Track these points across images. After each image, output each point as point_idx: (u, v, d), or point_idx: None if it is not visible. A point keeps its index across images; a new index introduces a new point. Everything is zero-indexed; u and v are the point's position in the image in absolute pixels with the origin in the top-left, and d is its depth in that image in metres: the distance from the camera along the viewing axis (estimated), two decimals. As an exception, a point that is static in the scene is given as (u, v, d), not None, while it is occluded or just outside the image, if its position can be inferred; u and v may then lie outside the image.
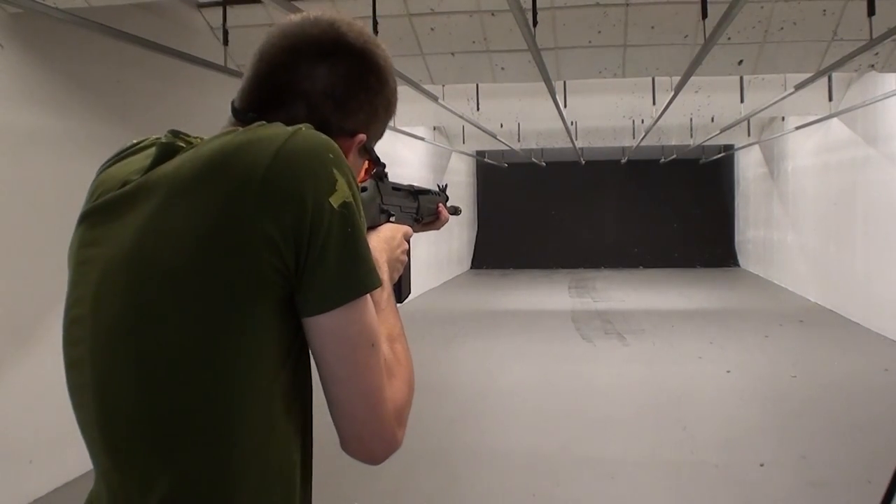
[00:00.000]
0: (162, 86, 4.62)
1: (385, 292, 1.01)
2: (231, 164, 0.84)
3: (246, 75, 1.00)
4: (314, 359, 0.88)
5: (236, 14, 4.89)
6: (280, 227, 0.81)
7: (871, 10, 4.06)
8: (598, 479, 4.03)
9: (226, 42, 4.87)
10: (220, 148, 0.86)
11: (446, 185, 1.49)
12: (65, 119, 3.98)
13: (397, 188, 1.21)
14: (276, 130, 0.87)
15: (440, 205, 1.39)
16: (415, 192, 1.29)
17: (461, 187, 15.32)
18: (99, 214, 0.91)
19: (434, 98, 6.30)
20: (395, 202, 1.19)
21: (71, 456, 3.76)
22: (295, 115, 0.96)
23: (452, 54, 5.47)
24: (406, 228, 1.17)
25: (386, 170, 1.16)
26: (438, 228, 1.42)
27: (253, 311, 0.82)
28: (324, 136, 0.88)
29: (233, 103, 1.01)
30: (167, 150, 0.90)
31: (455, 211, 1.51)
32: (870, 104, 7.41)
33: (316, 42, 0.97)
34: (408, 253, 1.17)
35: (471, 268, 16.59)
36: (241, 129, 0.90)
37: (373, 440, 0.89)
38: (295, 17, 1.00)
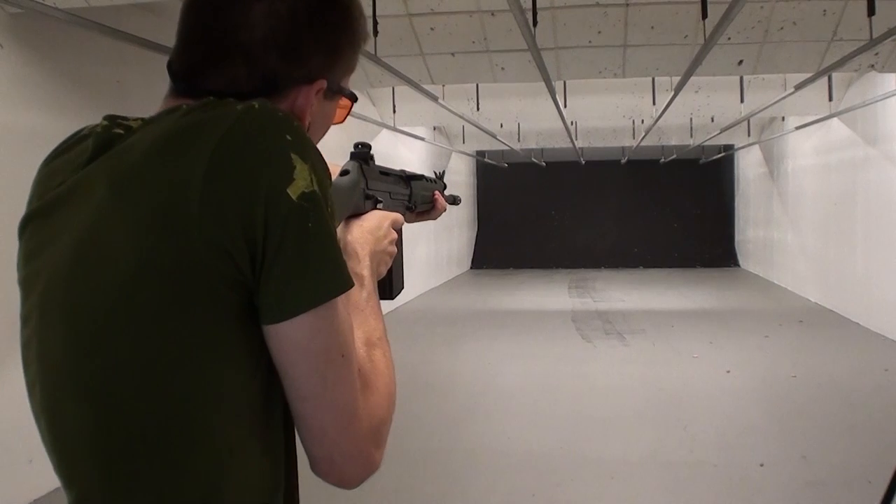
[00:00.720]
0: (162, 86, 4.61)
1: (365, 291, 0.91)
2: (168, 161, 0.73)
3: (178, 27, 0.84)
4: (278, 371, 0.76)
5: (236, 14, 4.88)
6: (229, 232, 0.71)
7: (871, 10, 4.06)
8: (598, 479, 4.03)
9: (226, 42, 4.86)
10: (158, 140, 0.75)
11: (444, 172, 1.35)
12: (65, 119, 3.98)
13: (386, 172, 1.09)
14: (220, 113, 0.75)
15: (437, 192, 1.26)
16: (407, 178, 1.16)
17: (461, 187, 15.31)
18: (39, 218, 0.81)
19: (434, 98, 6.30)
20: (384, 187, 1.07)
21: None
22: (234, 74, 0.81)
23: (452, 54, 5.47)
24: (395, 216, 1.04)
25: (371, 151, 1.04)
26: (435, 218, 1.27)
27: (207, 324, 0.72)
28: (279, 115, 0.75)
29: (169, 65, 0.85)
30: (104, 141, 0.79)
31: (454, 200, 1.39)
32: (870, 104, 7.41)
33: None
34: (399, 243, 1.05)
35: (471, 268, 16.58)
36: (183, 106, 0.78)
37: (345, 462, 0.78)
38: None
